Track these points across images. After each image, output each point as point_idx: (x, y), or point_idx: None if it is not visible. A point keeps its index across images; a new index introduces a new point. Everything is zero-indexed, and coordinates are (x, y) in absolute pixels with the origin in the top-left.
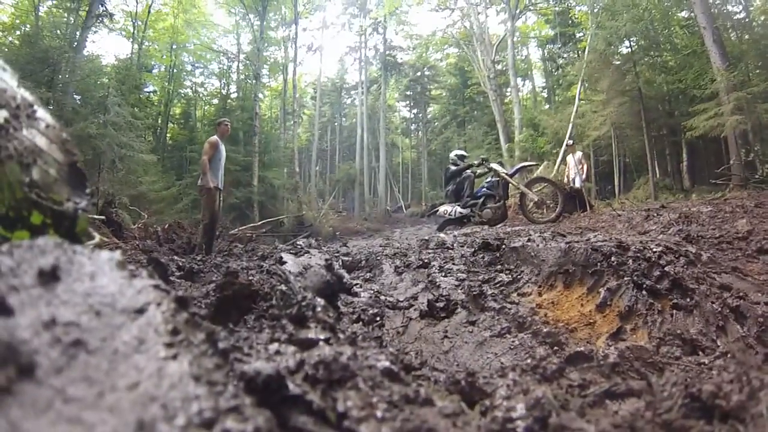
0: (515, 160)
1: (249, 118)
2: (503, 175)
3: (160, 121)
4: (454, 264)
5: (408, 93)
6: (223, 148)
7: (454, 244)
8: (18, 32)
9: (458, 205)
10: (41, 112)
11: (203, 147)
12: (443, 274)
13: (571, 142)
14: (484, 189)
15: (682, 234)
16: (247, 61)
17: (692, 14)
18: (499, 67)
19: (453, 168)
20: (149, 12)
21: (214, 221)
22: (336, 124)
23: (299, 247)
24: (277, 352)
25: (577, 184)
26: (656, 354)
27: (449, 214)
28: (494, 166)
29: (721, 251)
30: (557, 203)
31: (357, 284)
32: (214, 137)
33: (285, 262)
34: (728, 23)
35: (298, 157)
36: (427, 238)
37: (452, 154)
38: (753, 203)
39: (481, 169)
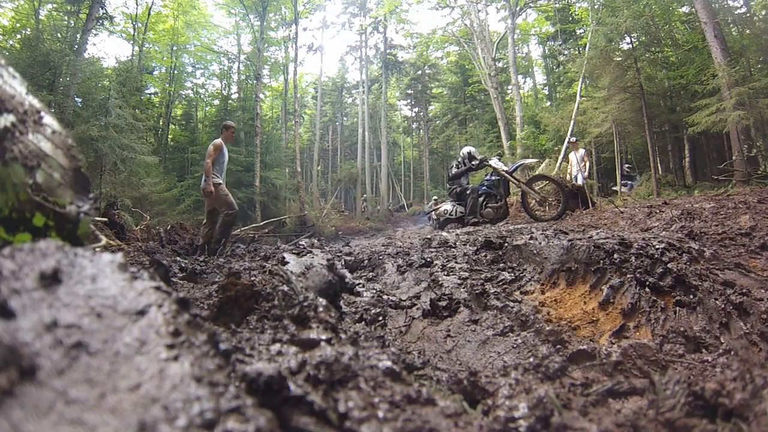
0: (517, 157)
1: (250, 118)
2: (503, 173)
3: (161, 123)
4: (456, 262)
5: (409, 92)
6: (226, 150)
7: (457, 243)
8: (18, 36)
9: (458, 205)
10: (48, 119)
11: (207, 149)
12: (446, 272)
13: (574, 139)
14: (484, 188)
15: (685, 230)
16: (248, 62)
17: (693, 9)
18: (500, 64)
19: (454, 170)
20: (149, 14)
21: (235, 212)
22: (337, 123)
23: (301, 247)
24: (279, 353)
25: (580, 181)
26: (659, 352)
27: (449, 214)
28: (494, 164)
29: (724, 248)
30: (559, 201)
31: (359, 284)
32: (219, 141)
33: (287, 263)
34: (729, 18)
35: (300, 156)
36: (429, 236)
37: (463, 151)
38: (756, 199)
39: (482, 168)
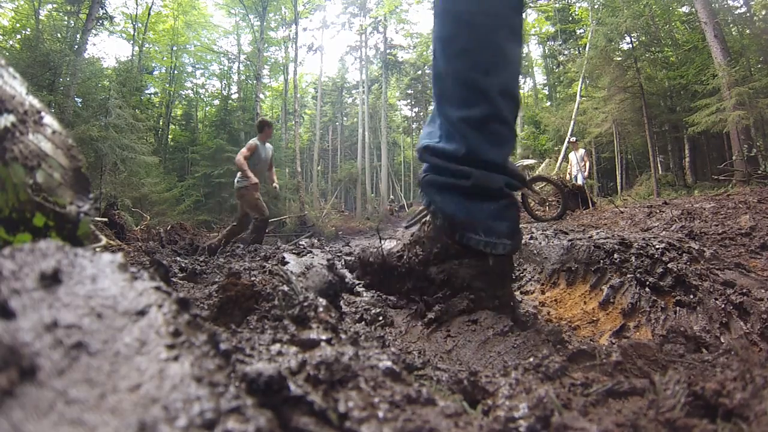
0: (516, 157)
1: (250, 118)
2: None
3: (161, 123)
4: None
5: (409, 92)
6: (262, 150)
7: None
8: (19, 36)
9: None
10: (48, 119)
11: (240, 151)
12: None
13: (574, 139)
14: None
15: (685, 230)
16: (248, 62)
17: (693, 9)
18: None
19: None
20: (149, 14)
21: (266, 218)
22: (337, 123)
23: (301, 247)
24: (279, 353)
25: (580, 182)
26: (659, 352)
27: None
28: None
29: (724, 247)
30: (559, 201)
31: (359, 284)
32: (254, 142)
33: (287, 263)
34: (729, 18)
35: (300, 156)
36: None
37: None
38: (756, 199)
39: None
